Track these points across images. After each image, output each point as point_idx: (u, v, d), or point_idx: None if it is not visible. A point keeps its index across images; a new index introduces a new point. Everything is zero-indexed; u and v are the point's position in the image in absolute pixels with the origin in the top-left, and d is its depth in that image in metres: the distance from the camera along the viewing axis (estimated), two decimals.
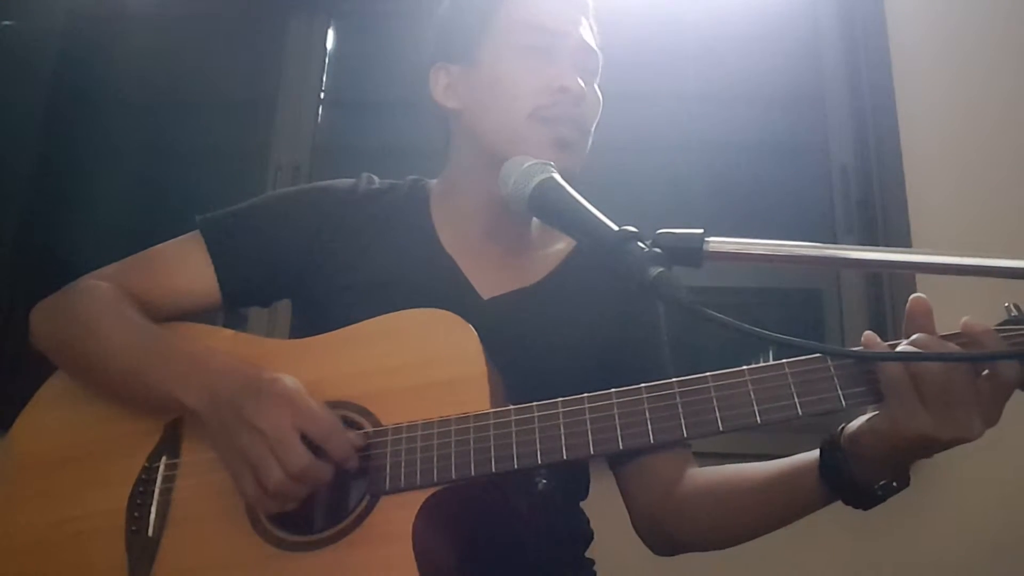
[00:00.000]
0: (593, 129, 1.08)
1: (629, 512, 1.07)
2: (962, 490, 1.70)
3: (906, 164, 1.92)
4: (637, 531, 1.06)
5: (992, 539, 1.67)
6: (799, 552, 1.64)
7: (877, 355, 0.74)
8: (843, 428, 0.82)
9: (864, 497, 0.82)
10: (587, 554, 1.12)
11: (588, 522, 1.13)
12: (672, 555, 1.05)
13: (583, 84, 1.02)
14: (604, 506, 1.11)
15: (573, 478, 1.10)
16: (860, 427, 0.79)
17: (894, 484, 0.81)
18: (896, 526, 1.68)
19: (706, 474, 1.01)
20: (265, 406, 0.83)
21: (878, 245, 1.86)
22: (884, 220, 1.90)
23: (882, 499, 0.82)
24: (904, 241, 1.85)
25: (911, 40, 2.03)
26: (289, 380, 0.86)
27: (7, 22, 2.40)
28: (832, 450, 0.82)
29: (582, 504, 1.13)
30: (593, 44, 1.08)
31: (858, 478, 0.80)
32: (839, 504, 0.85)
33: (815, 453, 0.85)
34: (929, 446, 0.74)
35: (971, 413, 0.72)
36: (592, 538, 1.12)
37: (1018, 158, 1.93)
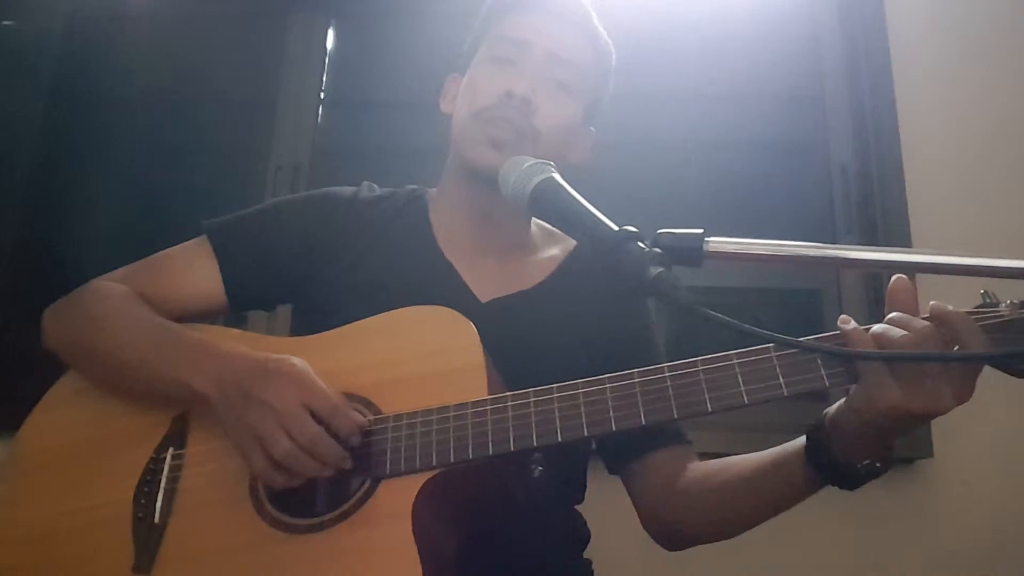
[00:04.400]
0: (548, 136, 1.06)
1: (637, 511, 1.09)
2: (962, 490, 1.70)
3: (906, 164, 1.92)
4: (647, 529, 1.08)
5: (992, 539, 1.67)
6: (801, 551, 1.65)
7: (874, 354, 0.75)
8: (827, 411, 0.84)
9: (848, 477, 0.83)
10: (584, 555, 1.12)
11: (585, 524, 1.14)
12: (681, 549, 1.06)
13: (536, 91, 1.04)
14: (602, 507, 1.12)
15: (569, 479, 1.10)
16: (839, 407, 0.81)
17: (877, 464, 0.82)
18: (897, 525, 1.68)
19: (704, 467, 1.03)
20: (273, 383, 0.86)
21: (878, 245, 1.86)
22: (884, 220, 1.90)
23: (865, 479, 0.83)
24: (904, 241, 1.85)
25: (911, 40, 2.03)
26: (297, 360, 0.89)
27: (7, 22, 2.40)
28: (816, 432, 0.84)
29: (580, 508, 1.14)
30: (568, 55, 1.08)
31: (841, 457, 0.82)
32: (841, 502, 0.85)
33: (801, 440, 0.87)
34: (903, 418, 0.75)
35: (939, 386, 0.73)
36: (589, 539, 1.13)
37: (1018, 158, 1.93)
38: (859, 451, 0.81)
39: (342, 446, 0.85)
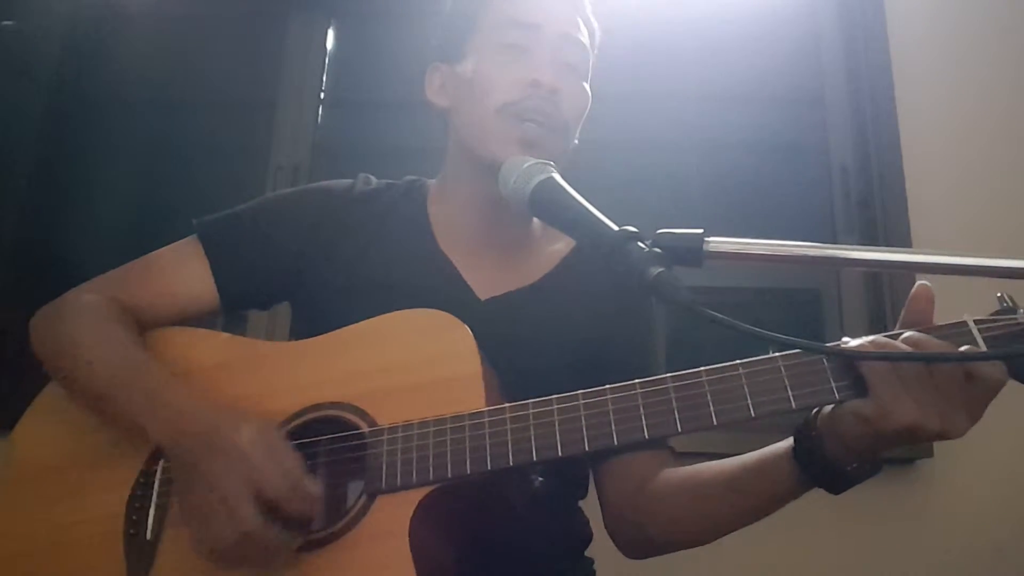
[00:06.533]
0: (574, 124, 1.05)
1: (603, 512, 1.06)
2: (962, 490, 1.70)
3: (906, 164, 1.92)
4: (609, 531, 1.06)
5: (992, 539, 1.66)
6: (800, 551, 1.64)
7: (875, 355, 0.74)
8: (819, 410, 0.81)
9: (837, 479, 0.81)
10: (586, 553, 1.12)
11: (587, 522, 1.13)
12: (643, 557, 1.04)
13: (559, 78, 1.01)
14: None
15: (571, 478, 1.10)
16: (842, 410, 0.77)
17: (867, 467, 0.80)
18: (897, 525, 1.68)
19: (681, 471, 1.00)
20: (219, 463, 0.80)
21: (878, 245, 1.86)
22: (884, 220, 1.90)
23: (854, 482, 0.81)
24: (904, 241, 1.85)
25: (911, 40, 2.03)
26: (247, 433, 0.82)
27: (7, 22, 2.39)
28: (807, 431, 0.82)
29: (581, 504, 1.13)
30: (581, 37, 1.06)
31: (831, 457, 0.80)
32: (840, 502, 0.85)
33: (788, 442, 0.85)
34: (915, 436, 0.73)
35: (956, 407, 0.72)
36: (591, 538, 1.12)
37: (1018, 158, 1.93)
38: (852, 455, 0.79)
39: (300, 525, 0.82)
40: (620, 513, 1.04)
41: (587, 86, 1.08)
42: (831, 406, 0.79)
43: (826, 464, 0.81)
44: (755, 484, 0.89)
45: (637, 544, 1.04)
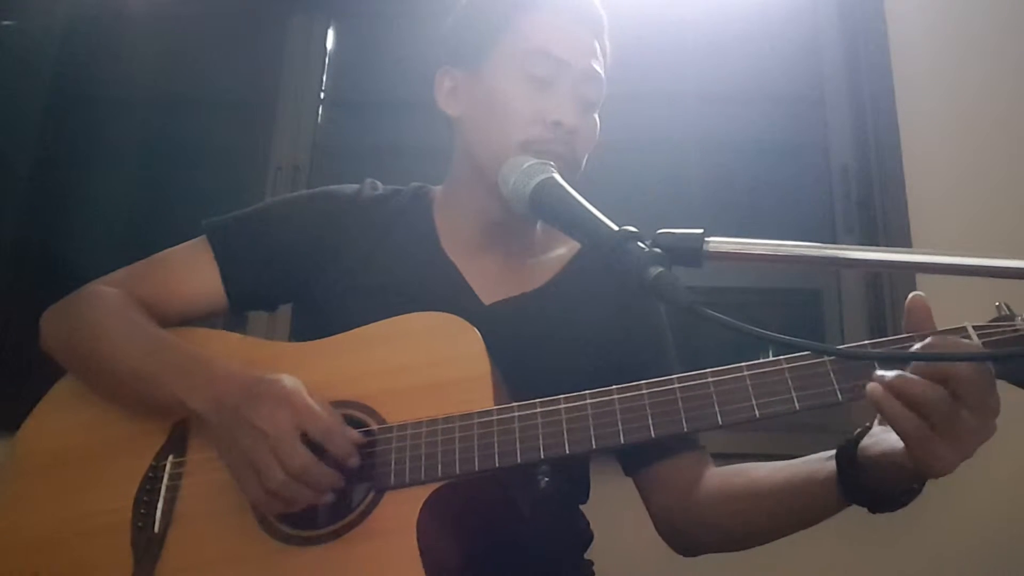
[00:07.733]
0: (583, 157, 1.07)
1: (651, 516, 1.08)
2: (962, 490, 1.70)
3: (906, 164, 1.92)
4: (660, 533, 1.07)
5: (992, 539, 1.67)
6: (799, 553, 1.64)
7: (876, 355, 0.74)
8: (859, 443, 0.81)
9: (889, 504, 0.83)
10: (586, 555, 1.12)
11: (588, 524, 1.13)
12: (695, 555, 1.06)
13: (578, 117, 1.02)
14: (604, 508, 1.12)
15: (574, 481, 1.10)
16: (882, 455, 0.78)
17: (915, 487, 0.81)
18: (896, 527, 1.67)
19: (723, 477, 1.01)
20: (266, 407, 0.84)
21: (878, 245, 1.86)
22: (884, 220, 1.90)
23: (906, 503, 0.82)
24: (904, 241, 1.85)
25: (911, 40, 2.03)
26: (288, 381, 0.86)
27: (7, 22, 2.39)
28: (848, 462, 0.82)
29: (582, 507, 1.14)
30: (599, 69, 1.06)
31: (883, 491, 0.81)
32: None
33: (831, 465, 0.85)
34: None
35: (974, 437, 0.71)
36: (592, 540, 1.13)
37: (1018, 158, 1.93)
38: (901, 485, 0.80)
39: (340, 467, 0.84)
40: (668, 518, 1.06)
41: (597, 117, 1.09)
42: (875, 451, 0.79)
43: (879, 496, 0.82)
44: (800, 504, 0.90)
45: (687, 546, 1.06)
